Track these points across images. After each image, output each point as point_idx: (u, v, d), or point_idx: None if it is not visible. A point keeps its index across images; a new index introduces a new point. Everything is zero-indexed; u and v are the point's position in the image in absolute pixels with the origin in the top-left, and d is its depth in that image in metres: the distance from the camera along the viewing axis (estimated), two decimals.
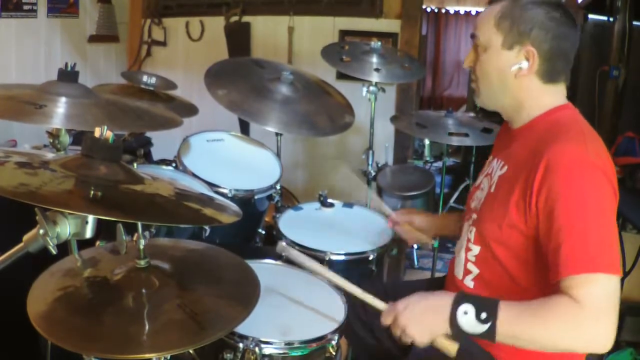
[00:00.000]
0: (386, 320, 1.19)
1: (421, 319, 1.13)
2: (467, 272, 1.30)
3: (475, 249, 1.28)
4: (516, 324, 1.06)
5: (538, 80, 1.24)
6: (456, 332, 1.10)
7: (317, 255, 1.73)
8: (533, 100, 1.25)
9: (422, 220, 1.66)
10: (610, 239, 1.07)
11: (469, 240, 1.30)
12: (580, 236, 1.05)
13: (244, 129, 3.06)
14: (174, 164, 1.99)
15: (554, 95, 1.26)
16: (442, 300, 1.13)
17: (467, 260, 1.30)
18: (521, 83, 1.24)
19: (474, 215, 1.31)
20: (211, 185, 1.85)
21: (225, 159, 2.11)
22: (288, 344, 1.26)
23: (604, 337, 1.01)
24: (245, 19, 3.62)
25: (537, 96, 1.25)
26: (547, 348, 1.08)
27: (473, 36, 1.29)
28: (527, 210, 1.14)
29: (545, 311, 1.05)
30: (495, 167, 1.30)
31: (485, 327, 1.06)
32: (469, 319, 1.08)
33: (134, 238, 1.16)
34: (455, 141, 2.40)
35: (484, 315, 1.07)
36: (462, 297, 1.11)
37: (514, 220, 1.17)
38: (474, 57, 1.30)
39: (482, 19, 1.27)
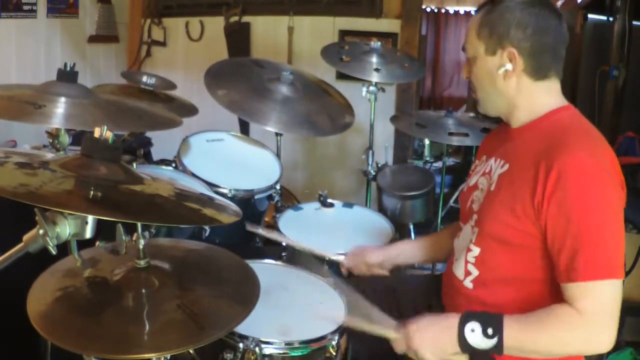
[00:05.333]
0: (399, 348, 1.22)
1: (432, 342, 1.17)
2: (467, 273, 1.30)
3: (476, 250, 1.28)
4: (522, 336, 1.11)
5: (527, 79, 1.24)
6: (466, 349, 1.14)
7: (316, 256, 1.73)
8: (527, 99, 1.26)
9: (376, 256, 1.60)
10: (620, 245, 1.11)
11: (470, 241, 1.30)
12: (595, 245, 1.09)
13: (244, 129, 3.06)
14: (173, 164, 1.99)
15: (548, 92, 1.26)
16: (449, 322, 1.17)
17: (467, 261, 1.30)
18: (511, 84, 1.25)
19: (475, 216, 1.31)
20: (211, 185, 1.85)
21: (225, 159, 2.11)
22: (288, 344, 1.26)
23: (609, 338, 1.07)
24: (245, 19, 3.61)
25: (529, 94, 1.25)
26: (554, 356, 1.14)
27: (464, 49, 1.32)
28: (535, 214, 1.15)
29: (551, 323, 1.10)
30: (495, 166, 1.30)
31: (492, 342, 1.11)
32: (476, 335, 1.13)
33: (134, 238, 1.16)
34: (455, 141, 2.41)
35: (490, 331, 1.11)
36: (468, 315, 1.16)
37: (518, 218, 1.17)
38: (468, 69, 1.33)
39: (467, 31, 1.31)
